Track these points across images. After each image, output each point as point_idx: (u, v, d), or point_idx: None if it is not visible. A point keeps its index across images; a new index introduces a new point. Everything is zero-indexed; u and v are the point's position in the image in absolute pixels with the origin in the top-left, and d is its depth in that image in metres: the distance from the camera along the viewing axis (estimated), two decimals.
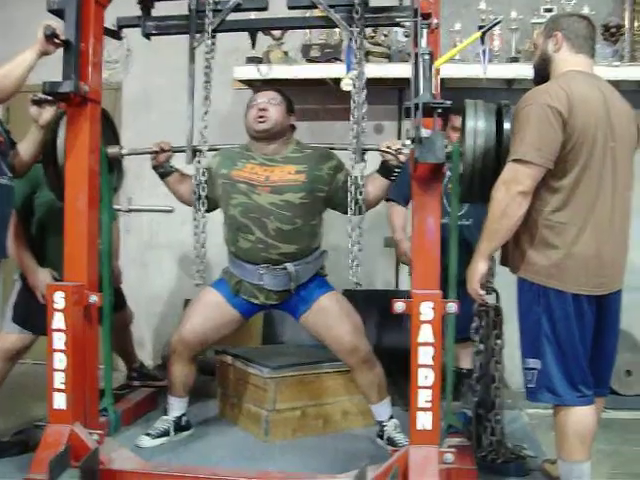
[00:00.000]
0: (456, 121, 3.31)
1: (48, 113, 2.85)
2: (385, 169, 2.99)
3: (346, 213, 2.88)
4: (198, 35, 2.99)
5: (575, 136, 2.34)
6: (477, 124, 2.55)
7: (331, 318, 3.11)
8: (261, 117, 3.07)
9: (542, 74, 2.57)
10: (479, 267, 2.48)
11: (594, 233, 2.39)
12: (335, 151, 3.16)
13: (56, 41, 2.59)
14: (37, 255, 3.21)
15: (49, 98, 2.76)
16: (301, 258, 3.11)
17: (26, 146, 2.92)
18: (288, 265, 3.07)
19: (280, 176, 3.07)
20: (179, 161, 3.16)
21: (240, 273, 3.15)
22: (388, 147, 2.91)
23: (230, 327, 3.24)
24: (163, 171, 3.20)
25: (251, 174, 3.09)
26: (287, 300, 3.18)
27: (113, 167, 3.17)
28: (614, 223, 2.43)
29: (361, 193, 2.86)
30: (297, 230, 3.07)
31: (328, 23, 2.95)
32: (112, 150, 3.07)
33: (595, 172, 2.38)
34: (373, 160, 2.98)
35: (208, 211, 3.09)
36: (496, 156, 2.53)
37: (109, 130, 3.18)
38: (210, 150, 3.08)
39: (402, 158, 2.90)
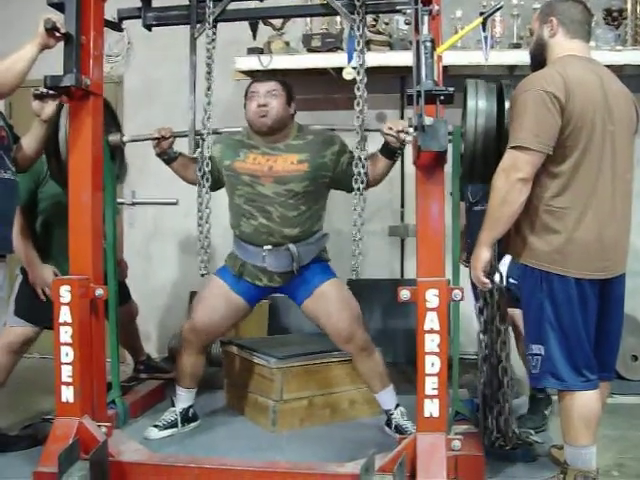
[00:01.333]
0: None
1: (50, 107, 2.84)
2: (387, 150, 2.98)
3: (350, 192, 2.91)
4: (199, 25, 2.99)
5: (573, 121, 2.33)
6: (478, 103, 2.55)
7: (331, 305, 3.12)
8: (262, 113, 3.05)
9: (539, 59, 2.57)
10: (482, 255, 2.48)
11: (595, 217, 2.38)
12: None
13: (57, 34, 2.59)
14: (41, 250, 3.22)
15: (51, 92, 2.76)
16: (304, 239, 3.12)
17: (29, 141, 2.92)
18: (291, 246, 3.08)
19: (283, 166, 3.07)
20: (182, 150, 3.17)
21: (243, 255, 3.17)
22: (390, 128, 2.89)
23: (237, 315, 3.26)
24: (167, 157, 3.20)
25: (254, 165, 3.09)
26: (290, 283, 3.18)
27: (115, 156, 3.17)
28: (615, 207, 2.42)
29: (366, 174, 2.88)
30: (301, 215, 3.10)
31: (329, 11, 2.95)
32: (113, 138, 3.08)
33: (594, 156, 2.37)
34: (376, 140, 2.98)
35: (212, 190, 3.12)
36: (497, 136, 2.54)
37: (110, 118, 3.17)
38: (214, 133, 3.09)
39: (403, 137, 2.85)
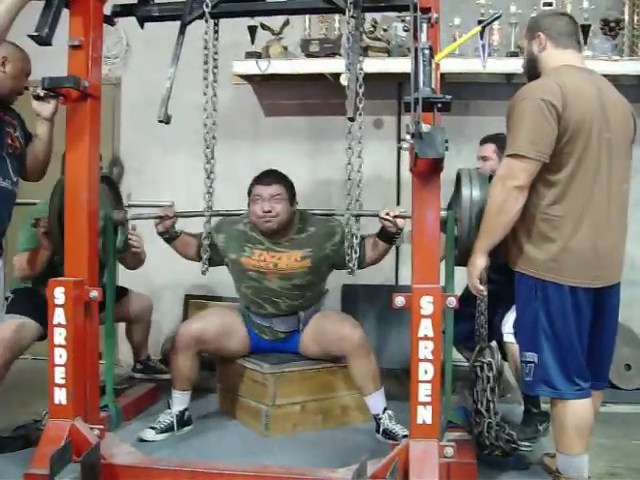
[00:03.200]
0: (484, 150, 3.34)
1: (51, 106, 2.87)
2: (385, 235, 3.12)
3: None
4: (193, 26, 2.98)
5: (570, 129, 2.34)
6: (472, 193, 2.64)
7: (327, 319, 3.33)
8: (267, 219, 3.18)
9: (532, 74, 2.59)
10: (478, 263, 2.49)
11: (590, 226, 2.39)
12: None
13: None
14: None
15: (50, 93, 2.76)
16: (310, 307, 3.37)
17: (35, 144, 2.95)
18: (300, 313, 3.34)
19: (287, 263, 3.24)
20: (182, 152, 3.17)
21: (251, 316, 3.39)
22: (387, 214, 3.02)
23: (236, 344, 3.40)
24: (169, 236, 3.29)
25: (259, 261, 3.25)
26: (292, 338, 3.40)
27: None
28: (610, 216, 2.43)
29: (358, 252, 3.09)
30: (307, 297, 3.34)
31: (326, 6, 2.93)
32: (117, 215, 3.19)
33: (591, 165, 2.38)
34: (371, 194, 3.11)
35: (212, 265, 3.32)
36: None
37: (112, 193, 3.26)
38: (214, 215, 3.24)
39: (400, 223, 3.01)
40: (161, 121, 2.84)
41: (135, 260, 3.64)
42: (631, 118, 2.53)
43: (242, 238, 3.29)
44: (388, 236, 3.12)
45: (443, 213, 2.72)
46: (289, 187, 3.24)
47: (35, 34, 2.48)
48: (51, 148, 3.02)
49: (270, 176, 3.25)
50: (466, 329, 2.99)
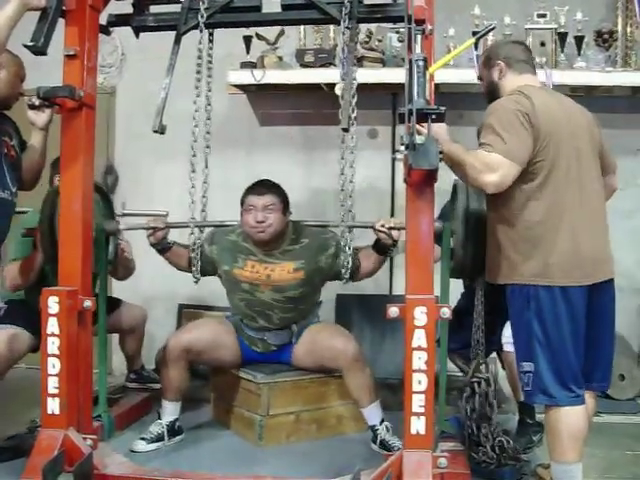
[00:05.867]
0: None
1: (45, 116, 2.87)
2: (379, 247, 3.13)
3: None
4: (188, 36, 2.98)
5: (542, 137, 2.44)
6: (469, 206, 2.72)
7: (321, 332, 3.31)
8: (260, 229, 3.16)
9: (494, 99, 2.66)
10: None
11: (569, 229, 2.46)
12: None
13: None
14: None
15: (45, 102, 2.77)
16: (303, 319, 3.36)
17: (29, 153, 2.94)
18: (293, 326, 3.33)
19: (280, 275, 3.22)
20: (177, 161, 3.16)
21: (244, 328, 3.37)
22: (382, 225, 3.02)
23: (226, 355, 3.38)
24: (161, 248, 3.27)
25: (252, 273, 3.24)
26: (284, 350, 3.38)
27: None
28: (584, 217, 2.50)
29: (358, 268, 3.15)
30: (299, 312, 3.33)
31: (320, 17, 2.93)
32: (109, 226, 3.18)
33: (562, 172, 2.47)
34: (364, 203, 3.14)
35: (205, 275, 3.31)
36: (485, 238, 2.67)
37: (105, 203, 3.25)
38: (202, 226, 3.22)
39: (395, 235, 3.01)
40: (156, 131, 2.83)
41: (125, 271, 3.63)
42: (595, 127, 2.63)
43: (234, 249, 3.28)
44: (383, 248, 3.12)
45: (438, 225, 2.74)
46: (283, 197, 3.23)
47: (31, 44, 2.48)
48: (44, 157, 3.02)
49: (263, 186, 3.23)
50: (464, 339, 2.98)
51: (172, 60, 2.92)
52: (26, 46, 2.49)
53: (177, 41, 2.96)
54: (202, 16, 2.91)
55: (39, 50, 2.50)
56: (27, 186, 3.11)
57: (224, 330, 3.36)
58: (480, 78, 2.83)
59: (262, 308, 3.27)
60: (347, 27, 2.78)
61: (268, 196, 3.18)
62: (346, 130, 2.58)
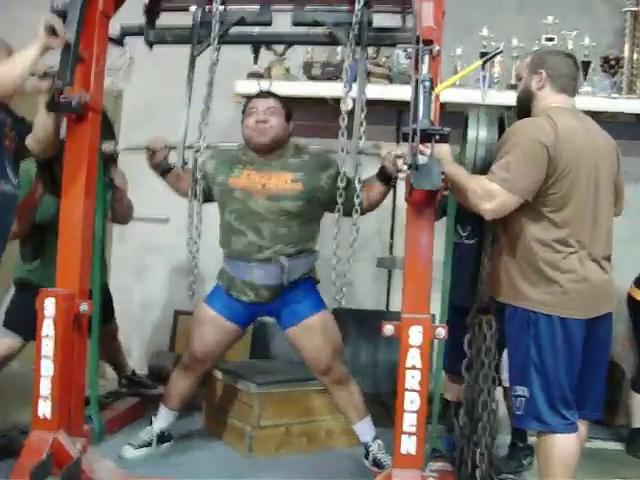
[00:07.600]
0: None
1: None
2: (383, 175, 2.99)
3: (345, 215, 2.81)
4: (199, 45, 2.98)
5: (559, 169, 2.41)
6: (479, 135, 2.61)
7: (314, 338, 3.12)
8: (261, 129, 3.05)
9: (524, 105, 2.64)
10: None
11: (579, 265, 2.44)
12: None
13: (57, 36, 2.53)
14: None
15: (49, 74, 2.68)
16: (294, 256, 3.09)
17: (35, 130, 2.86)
18: (282, 258, 3.04)
19: (277, 184, 3.06)
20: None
21: (232, 270, 3.15)
22: (389, 153, 2.88)
23: (230, 338, 3.24)
24: (161, 170, 3.20)
25: (247, 181, 3.08)
26: (278, 303, 3.14)
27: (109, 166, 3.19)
28: (596, 254, 2.48)
29: (358, 196, 2.76)
30: (292, 233, 3.07)
31: (331, 39, 2.95)
32: (107, 146, 3.06)
33: (578, 204, 2.45)
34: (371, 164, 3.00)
35: (203, 202, 3.04)
36: None
37: (105, 126, 3.08)
38: (207, 148, 3.01)
39: (399, 164, 2.76)
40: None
41: (122, 210, 3.54)
42: (615, 155, 2.61)
43: (233, 161, 3.16)
44: (387, 176, 2.99)
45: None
46: (286, 105, 3.16)
47: (59, 83, 2.54)
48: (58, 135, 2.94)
49: (267, 93, 3.21)
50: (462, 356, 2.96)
51: (188, 88, 2.93)
52: (56, 88, 2.54)
53: (192, 64, 2.96)
54: (214, 40, 2.89)
55: (67, 85, 2.56)
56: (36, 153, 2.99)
57: (214, 324, 3.20)
58: (519, 78, 2.78)
59: (253, 220, 3.05)
60: (353, 50, 2.80)
61: (270, 99, 3.13)
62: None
